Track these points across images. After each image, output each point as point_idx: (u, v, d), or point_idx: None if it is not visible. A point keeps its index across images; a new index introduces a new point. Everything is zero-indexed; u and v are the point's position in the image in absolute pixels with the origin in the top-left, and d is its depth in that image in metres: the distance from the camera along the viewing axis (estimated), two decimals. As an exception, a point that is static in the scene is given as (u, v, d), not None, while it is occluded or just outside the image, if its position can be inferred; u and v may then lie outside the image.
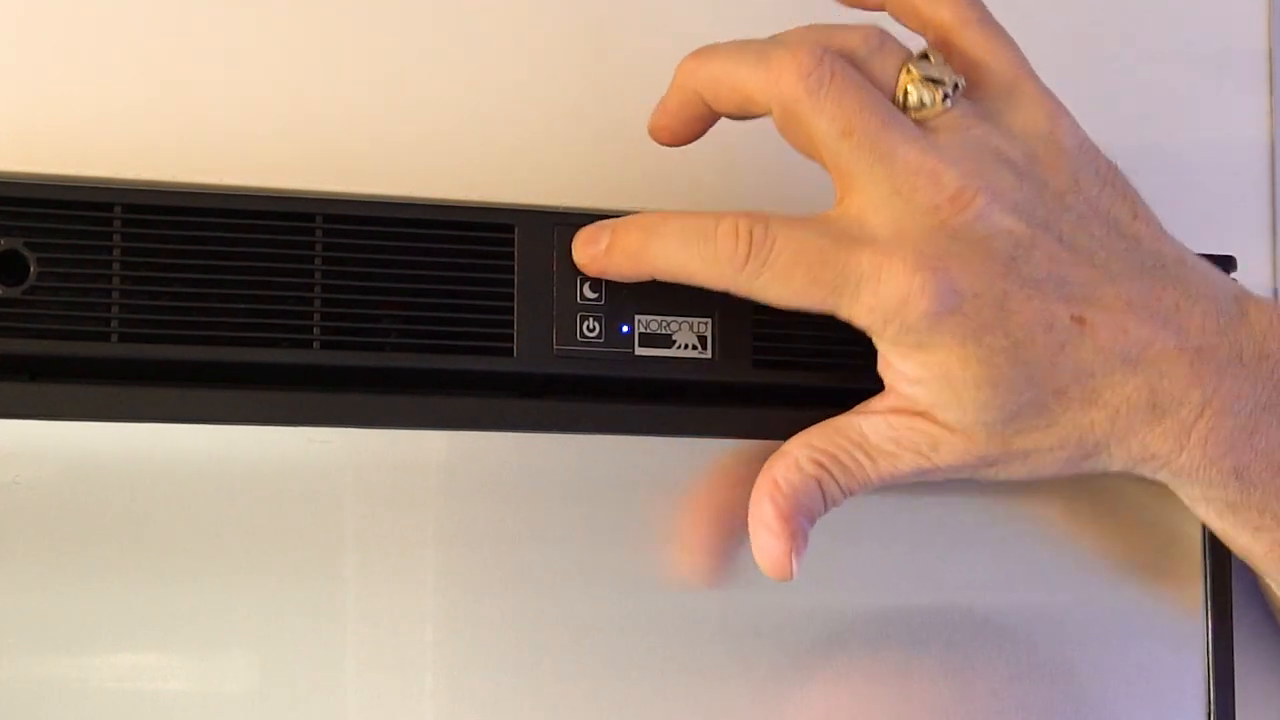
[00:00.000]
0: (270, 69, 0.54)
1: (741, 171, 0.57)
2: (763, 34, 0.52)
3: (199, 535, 0.49)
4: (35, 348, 0.48)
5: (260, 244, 0.50)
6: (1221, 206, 0.65)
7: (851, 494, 0.52)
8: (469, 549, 0.52)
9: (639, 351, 0.52)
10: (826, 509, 0.52)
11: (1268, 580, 0.59)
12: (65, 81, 0.52)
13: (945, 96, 0.50)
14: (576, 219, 0.52)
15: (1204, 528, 0.58)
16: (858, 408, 0.52)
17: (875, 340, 0.51)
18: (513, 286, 0.52)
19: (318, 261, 0.50)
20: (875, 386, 0.52)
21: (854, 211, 0.50)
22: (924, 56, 0.51)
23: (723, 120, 0.53)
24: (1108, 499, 0.58)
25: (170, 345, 0.49)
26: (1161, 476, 0.53)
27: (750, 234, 0.50)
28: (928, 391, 0.50)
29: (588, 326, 0.52)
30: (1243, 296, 0.53)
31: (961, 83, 0.51)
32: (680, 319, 0.53)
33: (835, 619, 0.55)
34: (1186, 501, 0.55)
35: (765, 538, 0.51)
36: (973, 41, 0.52)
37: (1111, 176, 0.52)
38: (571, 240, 0.52)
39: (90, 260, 0.48)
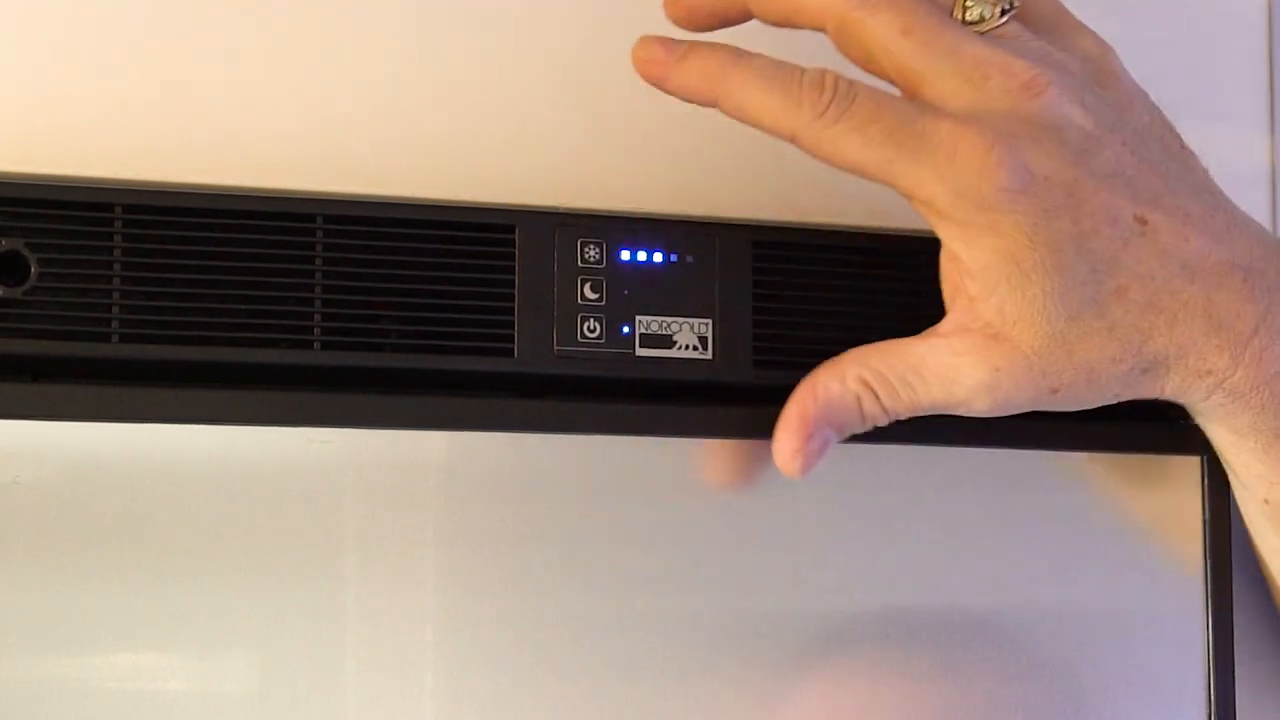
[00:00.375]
0: (270, 69, 0.54)
1: (744, 174, 0.57)
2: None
3: (199, 535, 0.49)
4: (35, 348, 0.48)
5: (260, 244, 0.50)
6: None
7: (895, 416, 0.52)
8: (469, 549, 0.52)
9: (639, 352, 0.52)
10: (865, 425, 0.52)
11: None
12: (65, 81, 0.52)
13: (1004, 11, 0.51)
14: (576, 219, 0.52)
15: (1204, 527, 0.58)
16: (923, 333, 0.52)
17: (939, 225, 0.50)
18: (513, 287, 0.52)
19: (318, 262, 0.50)
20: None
21: (926, 99, 0.50)
22: None
23: (731, 122, 0.52)
24: (1109, 498, 0.58)
25: (170, 345, 0.49)
26: (1215, 400, 0.53)
27: (835, 84, 0.49)
28: (991, 280, 0.50)
29: (588, 327, 0.52)
30: (1276, 238, 0.54)
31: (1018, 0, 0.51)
32: (681, 320, 0.53)
33: (835, 619, 0.55)
34: (1230, 445, 0.55)
35: (783, 434, 0.52)
36: None
37: (1157, 111, 0.53)
38: (572, 241, 0.52)
39: (90, 261, 0.48)
